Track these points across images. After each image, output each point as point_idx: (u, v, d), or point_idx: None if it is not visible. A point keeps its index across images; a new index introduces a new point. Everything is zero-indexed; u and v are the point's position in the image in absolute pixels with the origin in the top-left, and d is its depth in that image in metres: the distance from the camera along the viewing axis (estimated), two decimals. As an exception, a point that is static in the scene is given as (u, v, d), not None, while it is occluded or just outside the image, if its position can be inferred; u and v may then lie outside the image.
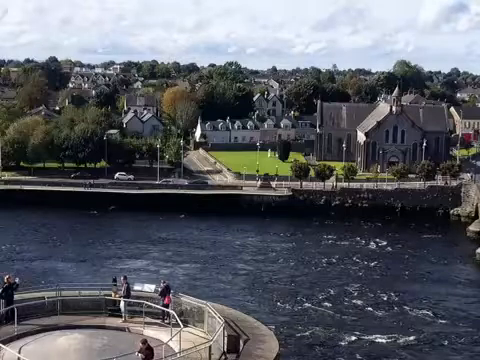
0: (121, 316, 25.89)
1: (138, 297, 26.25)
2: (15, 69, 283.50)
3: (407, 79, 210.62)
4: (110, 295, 26.63)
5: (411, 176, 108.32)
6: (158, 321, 25.33)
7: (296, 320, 54.27)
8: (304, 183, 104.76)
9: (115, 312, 26.16)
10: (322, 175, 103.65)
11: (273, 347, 23.18)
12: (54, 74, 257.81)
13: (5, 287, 25.46)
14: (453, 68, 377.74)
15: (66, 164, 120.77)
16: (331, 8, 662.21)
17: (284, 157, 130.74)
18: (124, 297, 26.04)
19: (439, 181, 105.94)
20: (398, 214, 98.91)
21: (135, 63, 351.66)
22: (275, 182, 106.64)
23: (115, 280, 27.21)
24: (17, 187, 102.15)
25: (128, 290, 26.41)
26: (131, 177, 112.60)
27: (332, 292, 62.23)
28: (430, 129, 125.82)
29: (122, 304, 25.94)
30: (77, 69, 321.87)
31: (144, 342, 20.45)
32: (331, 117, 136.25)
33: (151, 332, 24.44)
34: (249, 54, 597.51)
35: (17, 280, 26.09)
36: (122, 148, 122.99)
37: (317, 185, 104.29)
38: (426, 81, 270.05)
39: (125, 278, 26.77)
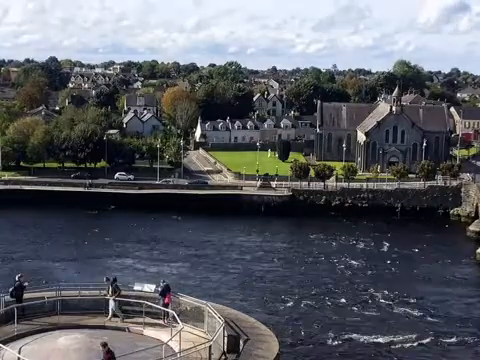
0: (117, 316, 25.88)
1: (138, 297, 26.27)
2: (15, 69, 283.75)
3: (407, 79, 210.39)
4: (105, 295, 26.67)
5: (411, 176, 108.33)
6: (158, 321, 25.34)
7: (296, 320, 54.27)
8: (304, 183, 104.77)
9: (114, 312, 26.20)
10: (322, 175, 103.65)
11: (273, 347, 23.19)
12: (54, 74, 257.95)
13: (16, 286, 25.66)
14: (453, 68, 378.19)
15: (66, 164, 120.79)
16: (331, 8, 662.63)
17: (284, 157, 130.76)
18: (113, 297, 25.98)
19: (439, 181, 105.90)
20: (398, 214, 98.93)
21: (135, 63, 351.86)
22: (275, 182, 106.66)
23: (108, 279, 27.14)
24: (17, 187, 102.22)
25: (116, 290, 26.29)
26: (131, 177, 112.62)
27: (332, 292, 62.21)
28: (430, 129, 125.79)
29: (111, 304, 25.95)
30: (77, 69, 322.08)
31: (104, 345, 20.15)
32: (331, 117, 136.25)
33: (151, 332, 24.46)
34: (249, 54, 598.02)
35: (26, 283, 26.33)
36: (122, 148, 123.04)
37: (317, 185, 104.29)
38: (426, 81, 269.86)
39: (115, 279, 26.73)
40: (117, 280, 26.84)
